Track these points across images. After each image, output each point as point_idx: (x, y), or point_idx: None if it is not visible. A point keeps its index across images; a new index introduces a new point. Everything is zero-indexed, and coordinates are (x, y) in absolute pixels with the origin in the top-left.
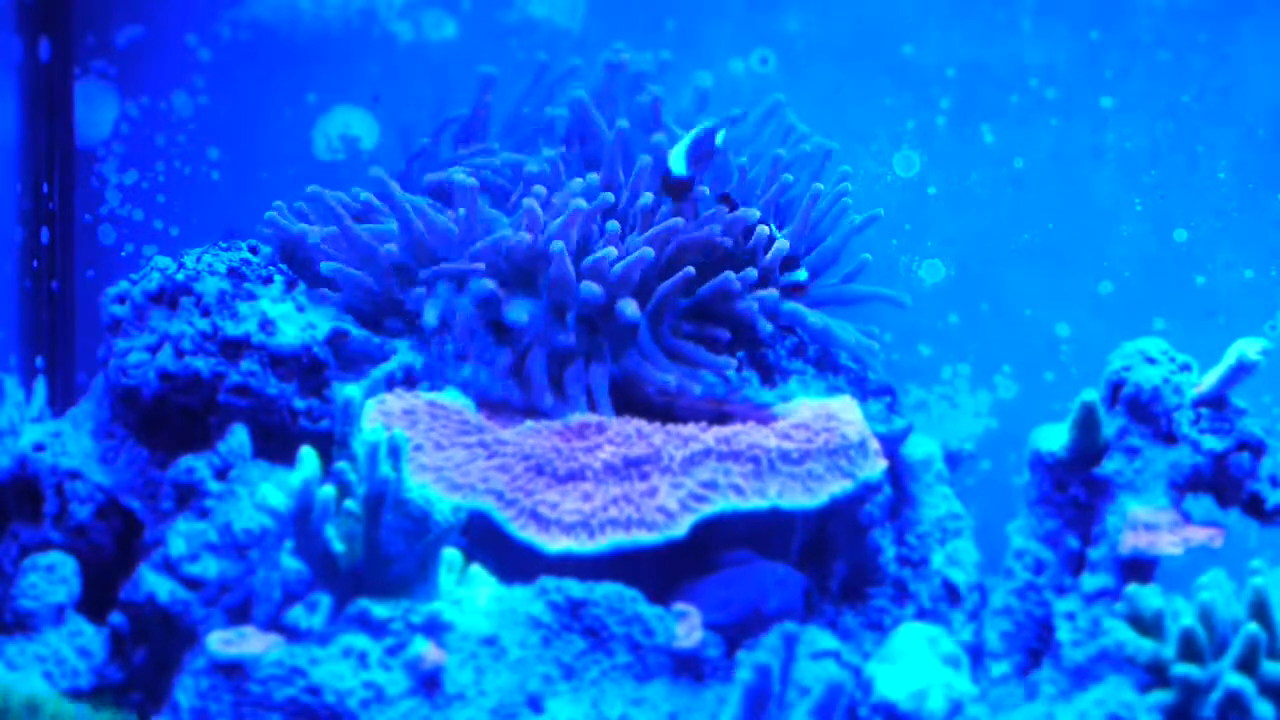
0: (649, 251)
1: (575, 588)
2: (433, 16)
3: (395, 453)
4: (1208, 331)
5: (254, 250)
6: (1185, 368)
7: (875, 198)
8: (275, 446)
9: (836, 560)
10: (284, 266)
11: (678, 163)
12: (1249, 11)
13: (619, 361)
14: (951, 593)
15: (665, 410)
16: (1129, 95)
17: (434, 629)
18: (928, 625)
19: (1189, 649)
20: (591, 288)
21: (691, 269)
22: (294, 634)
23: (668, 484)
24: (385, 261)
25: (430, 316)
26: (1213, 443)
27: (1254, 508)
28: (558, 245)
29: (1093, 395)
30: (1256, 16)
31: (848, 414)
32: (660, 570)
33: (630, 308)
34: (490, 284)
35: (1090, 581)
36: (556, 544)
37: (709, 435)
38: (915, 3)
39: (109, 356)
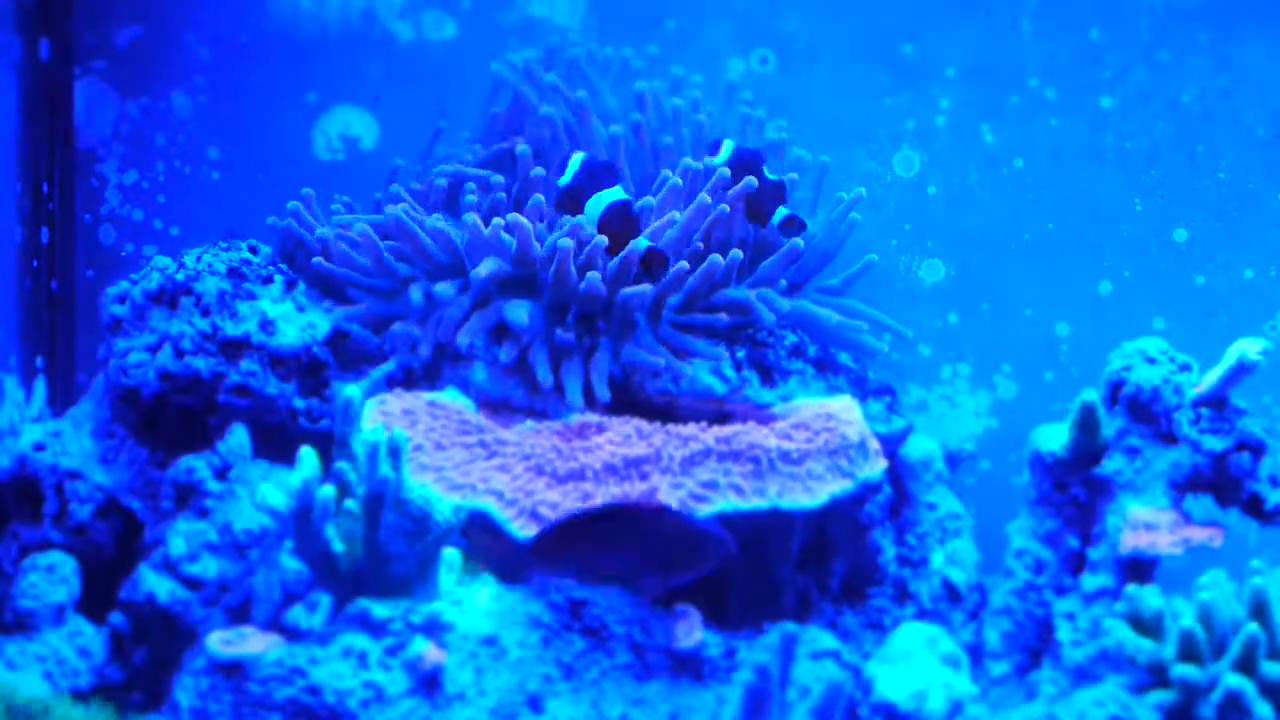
0: (642, 242)
1: (575, 588)
2: (433, 16)
3: (395, 453)
4: (1208, 331)
5: (254, 250)
6: (1185, 368)
7: (875, 198)
8: (275, 446)
9: (836, 560)
10: (284, 266)
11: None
12: (1249, 11)
13: (618, 356)
14: (951, 593)
15: (665, 410)
16: (1129, 95)
17: (434, 629)
18: (928, 625)
19: (1189, 649)
20: (593, 281)
21: (685, 264)
22: (294, 634)
23: (668, 484)
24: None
25: (424, 350)
26: (1213, 443)
27: (1254, 508)
28: (566, 243)
29: (1093, 395)
30: (1256, 17)
31: (848, 414)
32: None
33: (636, 299)
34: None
35: (1090, 581)
36: None
37: (709, 435)
38: (915, 3)
39: (109, 356)
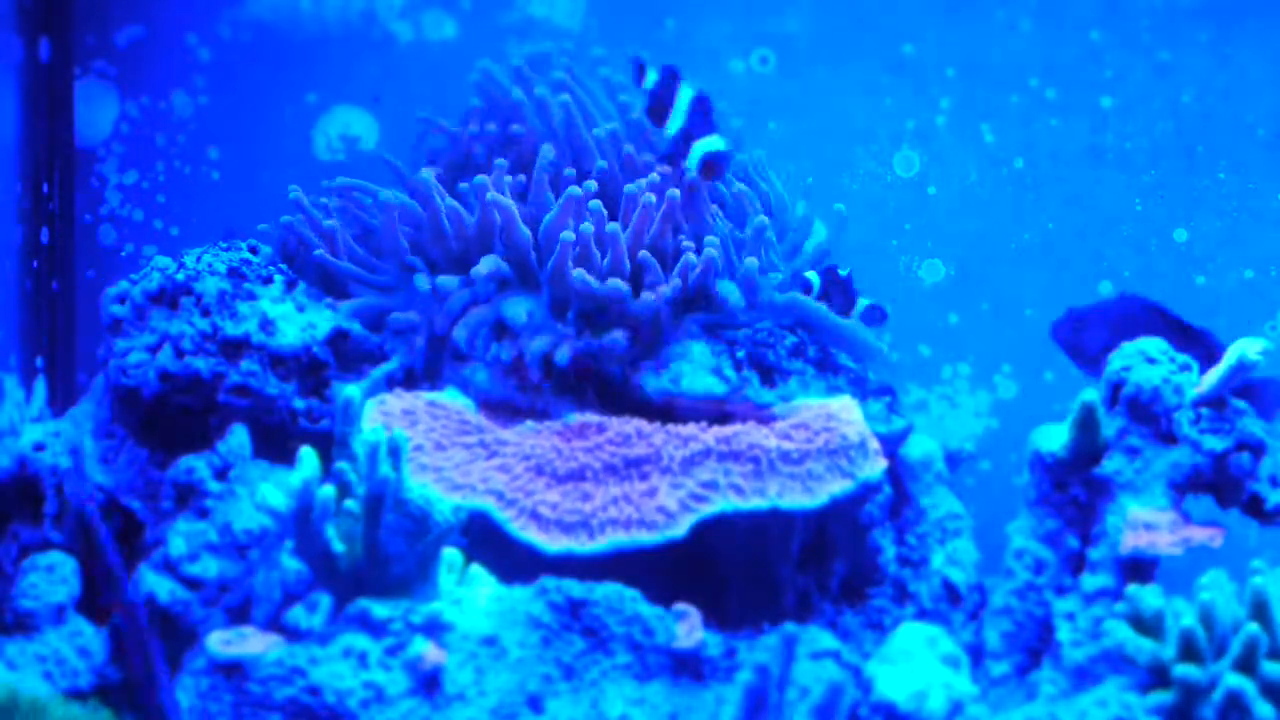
0: (620, 235)
1: (575, 588)
2: (433, 16)
3: (395, 453)
4: None
5: (254, 250)
6: (1185, 368)
7: (875, 198)
8: (275, 446)
9: (836, 560)
10: (284, 266)
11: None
12: (1249, 11)
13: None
14: (951, 593)
15: (665, 410)
16: (1129, 95)
17: (434, 629)
18: (928, 625)
19: (1189, 649)
20: (587, 280)
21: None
22: (294, 634)
23: (668, 484)
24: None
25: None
26: (1213, 443)
27: (1254, 508)
28: (568, 235)
29: (1093, 395)
30: (1256, 16)
31: (848, 414)
32: (660, 570)
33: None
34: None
35: (1090, 581)
36: (556, 544)
37: (709, 435)
38: (915, 3)
39: (109, 356)
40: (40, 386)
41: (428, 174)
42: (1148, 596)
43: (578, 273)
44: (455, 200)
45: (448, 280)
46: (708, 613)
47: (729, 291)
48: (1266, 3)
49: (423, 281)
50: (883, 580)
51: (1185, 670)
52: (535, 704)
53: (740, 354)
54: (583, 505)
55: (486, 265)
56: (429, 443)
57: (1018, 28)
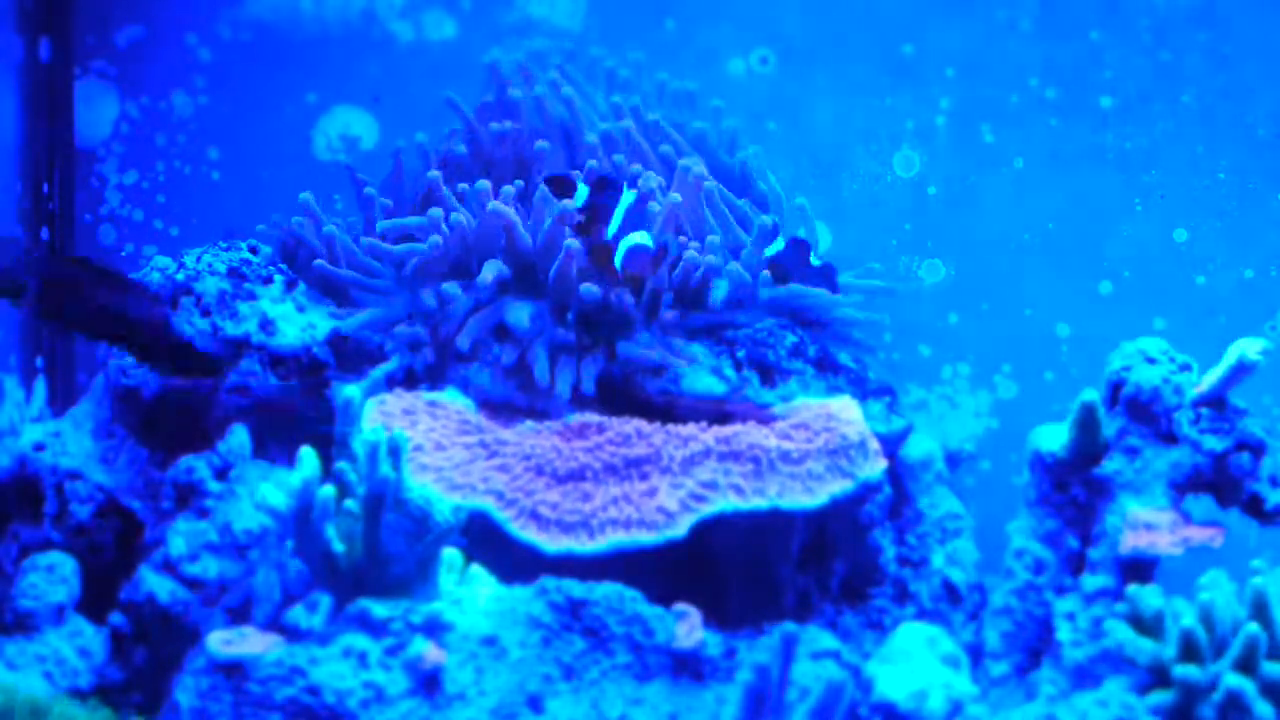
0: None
1: (575, 587)
2: (433, 16)
3: (395, 452)
4: (1208, 331)
5: (254, 250)
6: (1185, 368)
7: (875, 198)
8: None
9: (836, 560)
10: (284, 266)
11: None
12: (1249, 12)
13: (615, 354)
14: (951, 593)
15: (665, 410)
16: (1129, 95)
17: (434, 629)
18: (928, 625)
19: (1189, 649)
20: (590, 288)
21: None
22: (294, 634)
23: (668, 484)
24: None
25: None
26: (1213, 443)
27: (1254, 508)
28: (573, 244)
29: (1093, 395)
30: (1256, 17)
31: (848, 414)
32: (660, 570)
33: (625, 296)
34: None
35: (1090, 581)
36: (556, 544)
37: (709, 435)
38: (915, 3)
39: (109, 356)
40: (40, 386)
41: (435, 175)
42: (1148, 596)
43: (586, 286)
44: (457, 202)
45: (450, 288)
46: (708, 613)
47: (718, 288)
48: (1266, 3)
49: (428, 297)
50: (883, 580)
51: (1185, 670)
52: (535, 704)
53: (740, 354)
54: (583, 505)
55: (490, 272)
56: (429, 442)
57: (1018, 28)
